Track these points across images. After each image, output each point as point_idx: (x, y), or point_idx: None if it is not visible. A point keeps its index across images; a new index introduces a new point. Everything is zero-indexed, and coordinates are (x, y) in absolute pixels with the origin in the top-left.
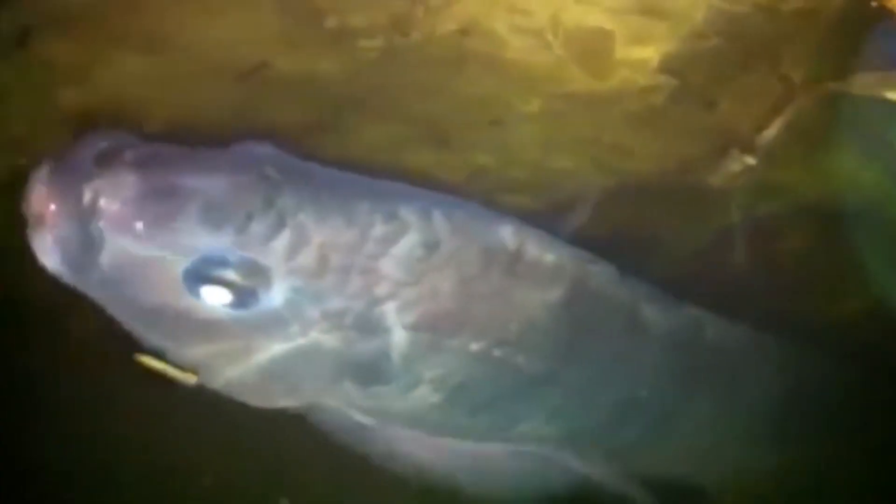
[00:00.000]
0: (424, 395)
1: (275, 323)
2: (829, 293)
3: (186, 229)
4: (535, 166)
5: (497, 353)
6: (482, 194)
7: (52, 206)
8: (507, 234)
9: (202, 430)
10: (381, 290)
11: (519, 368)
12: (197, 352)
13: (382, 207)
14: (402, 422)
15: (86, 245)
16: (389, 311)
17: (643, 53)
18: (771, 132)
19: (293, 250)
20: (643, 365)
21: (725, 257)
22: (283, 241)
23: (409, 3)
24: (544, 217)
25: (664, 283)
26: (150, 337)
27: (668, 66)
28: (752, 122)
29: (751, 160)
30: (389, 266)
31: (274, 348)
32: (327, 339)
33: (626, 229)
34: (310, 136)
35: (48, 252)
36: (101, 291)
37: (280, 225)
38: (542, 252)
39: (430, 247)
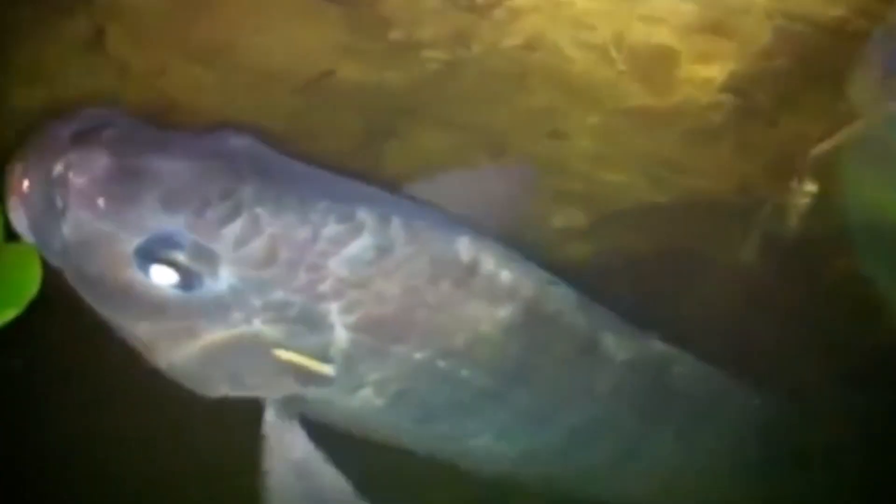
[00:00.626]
0: (368, 398)
1: (218, 308)
2: (875, 317)
3: (143, 209)
4: (590, 179)
5: (441, 364)
6: (537, 205)
7: (25, 175)
8: (463, 246)
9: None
10: (327, 287)
11: (464, 382)
12: (143, 329)
13: (340, 207)
14: (347, 423)
15: (50, 215)
16: (333, 309)
17: (707, 72)
18: (831, 153)
19: (243, 240)
20: (600, 393)
21: (776, 276)
22: (234, 229)
23: (475, 16)
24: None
25: (712, 301)
26: (103, 310)
27: (732, 85)
28: (812, 143)
29: (809, 180)
30: (338, 265)
31: (216, 333)
32: (269, 331)
33: (676, 246)
34: (370, 143)
35: (17, 218)
36: (62, 261)
37: (235, 214)
38: (499, 268)
39: (382, 251)
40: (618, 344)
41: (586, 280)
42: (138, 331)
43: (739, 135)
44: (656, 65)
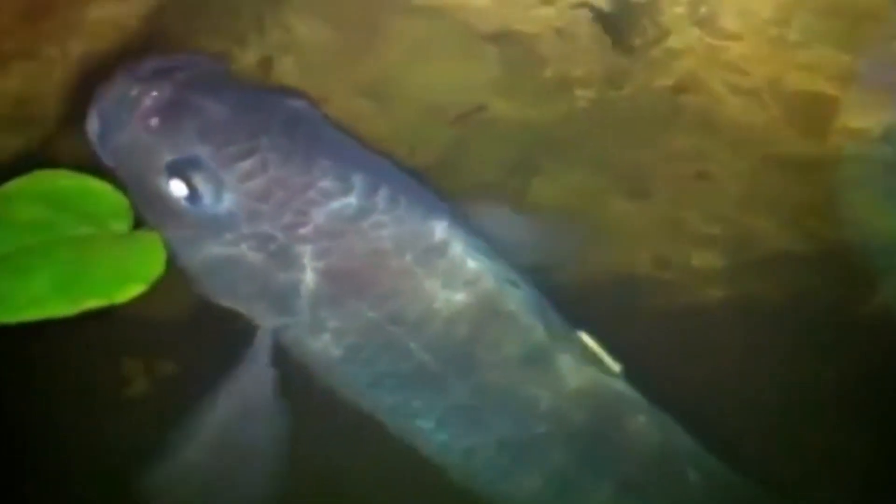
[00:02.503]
0: (328, 345)
1: (215, 226)
2: None
3: (182, 135)
4: (735, 223)
5: (391, 328)
6: (677, 246)
7: (107, 93)
8: (439, 228)
9: None
10: (306, 231)
11: (409, 354)
12: (166, 231)
13: (339, 169)
14: (314, 367)
15: (116, 124)
16: (307, 252)
17: (865, 122)
18: None
19: (248, 176)
20: (540, 413)
21: None
22: (244, 166)
23: (629, 58)
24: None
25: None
26: (140, 207)
27: (890, 136)
28: None
29: None
30: (320, 215)
31: (211, 247)
32: (252, 256)
33: (814, 296)
34: (516, 176)
35: (90, 121)
36: (113, 161)
37: (248, 155)
38: (466, 256)
39: (362, 212)
40: (574, 369)
41: (718, 323)
42: (163, 233)
43: (890, 188)
44: (812, 112)
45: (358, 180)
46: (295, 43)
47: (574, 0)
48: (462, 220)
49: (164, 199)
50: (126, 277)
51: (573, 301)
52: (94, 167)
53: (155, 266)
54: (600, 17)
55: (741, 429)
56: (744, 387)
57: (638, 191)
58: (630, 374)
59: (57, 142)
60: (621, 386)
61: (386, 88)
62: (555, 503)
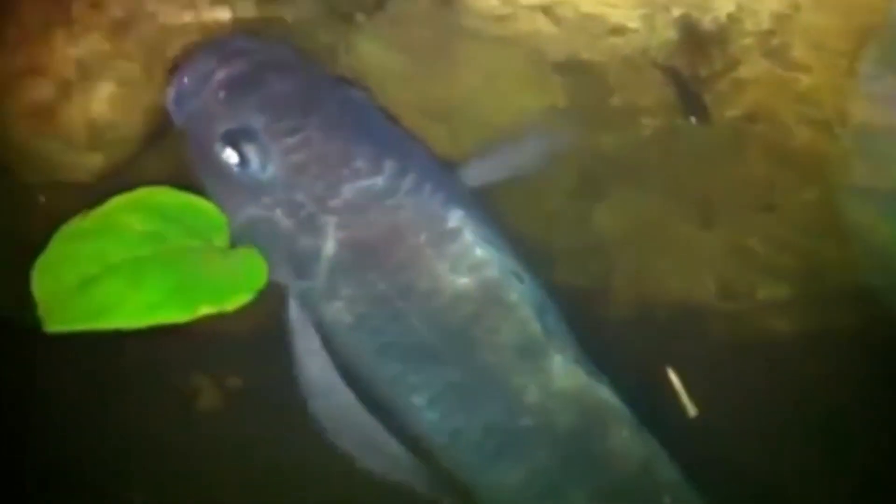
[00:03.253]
0: (340, 312)
1: (258, 189)
2: None
3: (242, 108)
4: (805, 255)
5: (399, 302)
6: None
7: (186, 67)
8: (455, 216)
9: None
10: (334, 203)
11: (412, 329)
12: (216, 191)
13: (373, 152)
14: (325, 332)
15: (190, 94)
16: (331, 222)
17: None
18: None
19: (293, 149)
20: (525, 406)
21: None
22: (290, 141)
23: (696, 87)
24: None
25: None
26: (197, 170)
27: None
28: None
29: None
30: (349, 191)
31: (252, 208)
32: (284, 220)
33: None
34: (580, 201)
35: (170, 87)
36: (183, 123)
37: (296, 131)
38: (476, 244)
39: (386, 192)
40: (564, 369)
41: (785, 355)
42: (214, 192)
43: None
44: (883, 144)
45: (388, 164)
46: (367, 68)
47: (642, 29)
48: (480, 212)
49: (219, 162)
50: (234, 287)
51: (635, 329)
52: (178, 184)
53: (259, 278)
54: (669, 47)
55: (807, 463)
56: (811, 420)
57: (705, 219)
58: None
59: (139, 161)
60: (610, 397)
61: (456, 113)
62: (532, 501)
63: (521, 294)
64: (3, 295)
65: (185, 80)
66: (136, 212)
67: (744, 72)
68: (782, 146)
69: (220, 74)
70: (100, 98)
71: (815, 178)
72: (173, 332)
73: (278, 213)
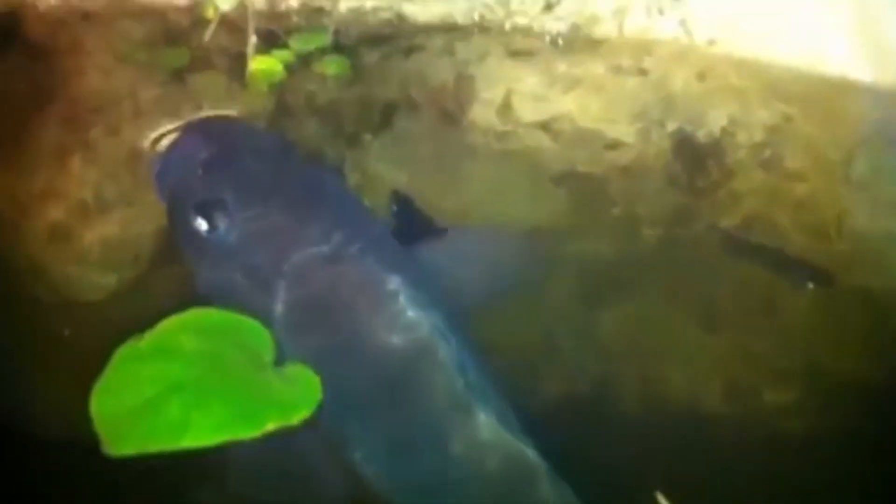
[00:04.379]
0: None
1: (223, 254)
2: None
3: (217, 183)
4: (807, 358)
5: (339, 359)
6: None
7: (173, 143)
8: (393, 282)
9: None
10: (285, 268)
11: (351, 385)
12: (190, 255)
13: (324, 224)
14: None
15: (172, 168)
16: (282, 284)
17: None
18: None
19: (254, 219)
20: (457, 458)
21: None
22: (253, 212)
23: (694, 198)
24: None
25: None
26: (173, 230)
27: None
28: None
29: None
30: (298, 257)
31: (217, 271)
32: (242, 281)
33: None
34: (583, 306)
35: (155, 165)
36: (163, 195)
37: (260, 205)
38: (410, 307)
39: (331, 259)
40: (486, 423)
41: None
42: (188, 255)
43: None
44: (879, 249)
45: (336, 235)
46: (371, 184)
47: (638, 144)
48: (421, 280)
49: (191, 227)
50: (296, 402)
51: (640, 433)
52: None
53: (315, 391)
54: (666, 159)
55: None
56: None
57: (708, 324)
58: None
59: (149, 280)
60: (529, 451)
61: (462, 220)
62: None
63: (447, 353)
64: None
65: (170, 156)
66: (189, 332)
67: (740, 182)
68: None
69: (201, 154)
70: (114, 220)
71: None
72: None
73: (238, 274)
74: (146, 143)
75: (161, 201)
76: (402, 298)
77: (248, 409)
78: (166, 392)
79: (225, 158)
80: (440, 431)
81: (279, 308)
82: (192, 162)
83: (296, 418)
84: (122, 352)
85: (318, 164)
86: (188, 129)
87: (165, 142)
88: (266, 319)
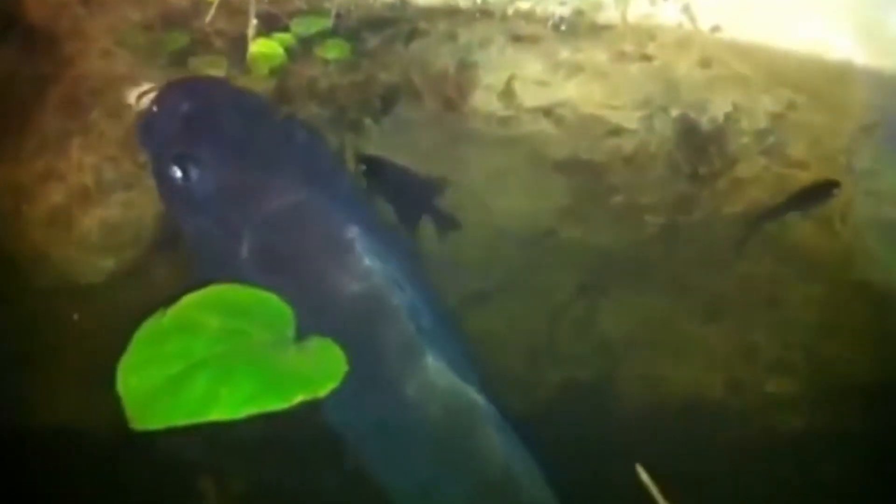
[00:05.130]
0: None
1: (197, 203)
2: None
3: (195, 138)
4: (809, 351)
5: (297, 305)
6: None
7: (159, 101)
8: (351, 231)
9: None
10: (252, 218)
11: (308, 328)
12: (169, 202)
13: (293, 179)
14: None
15: (156, 123)
16: (248, 232)
17: None
18: None
19: (227, 173)
20: (409, 402)
21: None
22: (227, 166)
23: (696, 186)
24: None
25: None
26: (154, 180)
27: None
28: None
29: None
30: (266, 208)
31: (191, 217)
32: (213, 229)
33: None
34: (582, 298)
35: (141, 119)
36: (148, 146)
37: (233, 159)
38: (365, 255)
39: (295, 211)
40: (436, 368)
41: (794, 452)
42: (167, 203)
43: None
44: (883, 239)
45: (304, 187)
46: None
47: (641, 130)
48: (380, 230)
49: (169, 178)
50: (322, 375)
51: (643, 425)
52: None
53: (340, 364)
54: (669, 146)
55: None
56: None
57: (709, 315)
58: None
59: (148, 263)
60: (477, 396)
61: (461, 213)
62: (414, 496)
63: (400, 299)
64: None
65: (155, 110)
66: (210, 309)
67: (742, 170)
68: (784, 242)
69: (182, 109)
70: (114, 203)
71: (818, 273)
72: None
73: (209, 222)
74: (132, 99)
75: (143, 151)
76: (359, 248)
77: (276, 383)
78: (192, 368)
79: (204, 114)
80: (391, 375)
81: (244, 254)
82: (173, 117)
83: (323, 391)
84: (145, 329)
85: (294, 122)
86: (172, 87)
87: (150, 98)
88: (233, 266)
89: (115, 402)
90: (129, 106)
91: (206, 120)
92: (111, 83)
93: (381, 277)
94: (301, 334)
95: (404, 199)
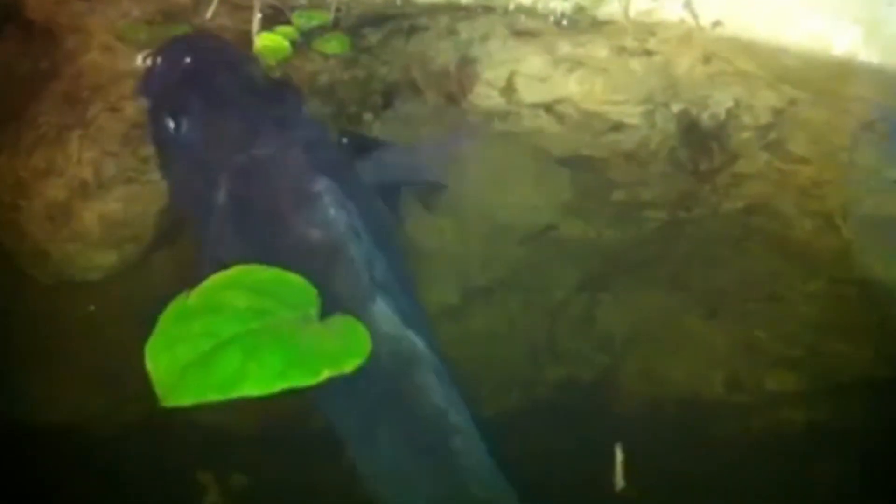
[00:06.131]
0: (225, 251)
1: (184, 151)
2: None
3: (188, 92)
4: (810, 347)
5: (265, 250)
6: (750, 368)
7: (161, 56)
8: (320, 183)
9: None
10: (229, 165)
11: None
12: (160, 150)
13: (269, 130)
14: (216, 269)
15: (157, 76)
16: (224, 179)
17: None
18: None
19: (212, 125)
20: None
21: None
22: (213, 118)
23: (697, 181)
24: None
25: None
26: (149, 128)
27: None
28: None
29: None
30: (241, 157)
31: (180, 163)
32: (196, 175)
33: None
34: (582, 294)
35: (143, 72)
36: (146, 98)
37: (220, 112)
38: (331, 207)
39: (269, 161)
40: (384, 315)
41: (795, 449)
42: (159, 151)
43: None
44: (885, 236)
45: (279, 141)
46: None
47: (643, 126)
48: (353, 188)
49: (162, 126)
50: (347, 352)
51: (643, 422)
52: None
53: (364, 342)
54: (670, 142)
55: None
56: None
57: (709, 311)
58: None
59: (149, 259)
60: (421, 344)
61: (462, 207)
62: (354, 430)
63: (357, 248)
64: None
65: (156, 64)
66: (235, 289)
67: (744, 165)
68: (784, 238)
69: (180, 65)
70: (114, 198)
71: (817, 270)
72: (171, 426)
73: (194, 168)
74: (140, 59)
75: (143, 103)
76: (326, 198)
77: (303, 359)
78: (221, 345)
79: (199, 71)
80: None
81: (220, 199)
82: (172, 72)
83: (349, 366)
84: (171, 309)
85: (281, 83)
86: (174, 44)
87: (153, 56)
88: (210, 210)
89: (117, 398)
90: (129, 101)
91: (201, 76)
92: (111, 78)
93: (344, 227)
94: (325, 313)
95: (384, 169)
